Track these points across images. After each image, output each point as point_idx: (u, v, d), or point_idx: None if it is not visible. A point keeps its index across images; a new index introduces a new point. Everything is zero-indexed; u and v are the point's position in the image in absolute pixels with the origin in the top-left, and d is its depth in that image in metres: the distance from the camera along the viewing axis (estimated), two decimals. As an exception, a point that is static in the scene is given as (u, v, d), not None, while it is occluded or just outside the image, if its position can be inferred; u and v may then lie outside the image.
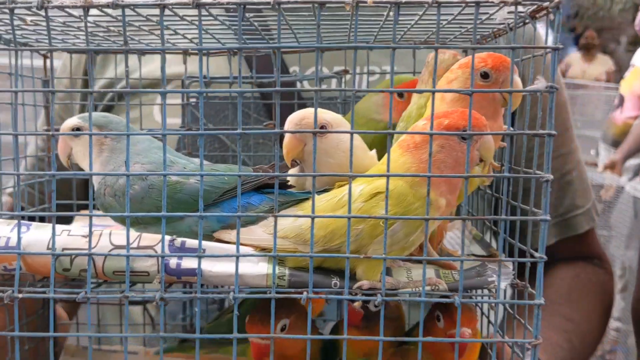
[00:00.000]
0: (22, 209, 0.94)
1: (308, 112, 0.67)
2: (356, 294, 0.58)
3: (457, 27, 0.77)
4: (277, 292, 0.58)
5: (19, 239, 0.60)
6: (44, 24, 0.57)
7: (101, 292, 0.62)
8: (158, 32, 0.76)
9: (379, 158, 0.72)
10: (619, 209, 3.25)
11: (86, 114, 0.69)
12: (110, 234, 0.62)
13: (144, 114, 1.00)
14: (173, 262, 0.61)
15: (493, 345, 0.60)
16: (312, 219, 0.57)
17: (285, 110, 0.71)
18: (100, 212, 0.71)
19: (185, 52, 0.91)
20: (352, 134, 0.56)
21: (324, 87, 1.01)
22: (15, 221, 0.63)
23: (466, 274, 0.63)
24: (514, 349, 0.65)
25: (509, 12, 0.62)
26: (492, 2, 0.53)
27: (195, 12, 0.55)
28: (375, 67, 1.01)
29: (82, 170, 0.75)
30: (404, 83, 0.84)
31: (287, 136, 0.68)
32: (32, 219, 0.79)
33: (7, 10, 0.56)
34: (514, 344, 0.65)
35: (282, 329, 0.67)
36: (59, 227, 0.63)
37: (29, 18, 0.65)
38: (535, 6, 0.60)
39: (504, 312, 0.73)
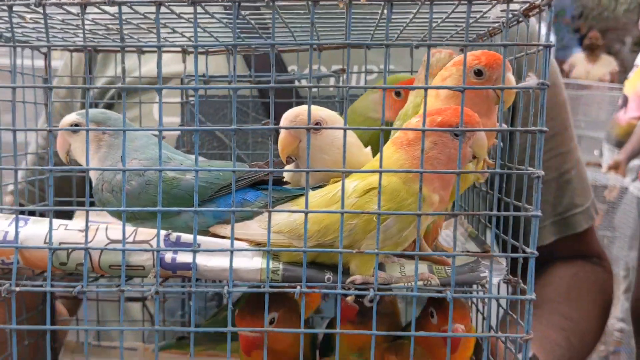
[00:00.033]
0: (21, 205, 0.95)
1: (303, 109, 0.68)
2: (349, 289, 0.59)
3: (453, 26, 0.77)
4: (271, 287, 0.58)
5: (17, 233, 0.61)
6: (43, 21, 0.58)
7: (98, 286, 0.63)
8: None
9: (374, 156, 0.72)
10: (622, 210, 3.24)
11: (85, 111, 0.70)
12: (106, 228, 0.63)
13: (144, 113, 1.00)
14: (168, 256, 0.62)
15: (486, 340, 0.61)
16: (306, 214, 0.57)
17: (284, 108, 0.71)
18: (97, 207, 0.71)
19: (183, 50, 0.92)
20: (345, 130, 0.57)
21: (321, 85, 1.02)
22: (14, 215, 0.63)
23: (459, 269, 0.63)
24: (506, 345, 0.65)
25: (502, 10, 0.62)
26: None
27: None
28: (373, 66, 1.02)
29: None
30: (401, 82, 0.84)
31: (282, 133, 0.69)
32: (32, 214, 0.80)
33: (5, 7, 0.57)
34: (508, 339, 0.66)
35: (271, 322, 0.67)
36: (57, 222, 0.64)
37: (28, 15, 0.66)
38: (527, 4, 0.60)
39: (503, 310, 0.73)
